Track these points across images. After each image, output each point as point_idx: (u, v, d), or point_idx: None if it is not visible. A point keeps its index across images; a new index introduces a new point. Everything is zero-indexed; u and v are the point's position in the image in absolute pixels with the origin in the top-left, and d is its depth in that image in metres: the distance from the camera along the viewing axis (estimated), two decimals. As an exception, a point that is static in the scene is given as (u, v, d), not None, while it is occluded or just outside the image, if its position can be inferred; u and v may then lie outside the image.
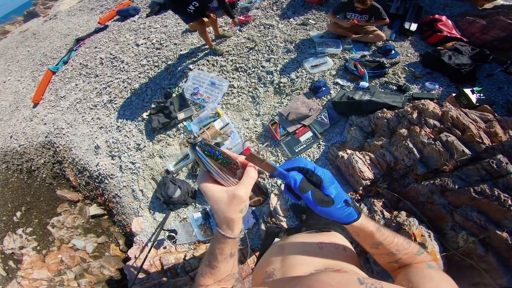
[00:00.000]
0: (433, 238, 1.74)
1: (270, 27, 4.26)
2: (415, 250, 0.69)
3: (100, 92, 4.70)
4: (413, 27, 3.74)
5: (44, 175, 4.68)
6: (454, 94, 2.77)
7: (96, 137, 4.21)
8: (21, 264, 3.70)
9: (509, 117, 2.04)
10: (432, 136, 2.08)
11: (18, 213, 4.46)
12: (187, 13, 3.41)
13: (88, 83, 5.06)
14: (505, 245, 1.49)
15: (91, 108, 4.58)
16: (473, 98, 2.59)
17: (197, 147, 0.51)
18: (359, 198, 2.30)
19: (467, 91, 2.64)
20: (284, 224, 2.55)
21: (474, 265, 1.55)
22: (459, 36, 3.54)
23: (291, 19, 4.35)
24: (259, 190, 0.67)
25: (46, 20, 9.46)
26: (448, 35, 3.52)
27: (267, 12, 4.58)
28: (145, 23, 5.63)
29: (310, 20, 4.26)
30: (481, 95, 2.63)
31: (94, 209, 4.15)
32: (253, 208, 2.96)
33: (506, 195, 1.54)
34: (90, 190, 4.25)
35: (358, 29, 3.66)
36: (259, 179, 0.64)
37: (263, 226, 2.69)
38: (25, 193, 4.68)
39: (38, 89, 5.72)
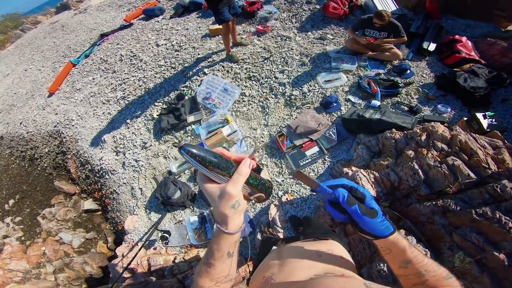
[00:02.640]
0: (429, 257, 1.72)
1: (287, 39, 4.32)
2: (444, 274, 0.67)
3: (115, 88, 4.87)
4: (432, 47, 3.71)
5: (45, 165, 4.79)
6: (465, 118, 2.73)
7: (104, 131, 4.32)
8: (1, 253, 3.66)
9: None
10: (439, 159, 2.09)
11: (11, 201, 4.52)
12: (222, 12, 3.50)
13: (105, 78, 5.25)
14: (501, 266, 1.51)
15: (104, 103, 4.74)
16: (485, 123, 2.56)
17: (182, 151, 0.55)
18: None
19: (479, 115, 2.61)
20: (281, 235, 2.55)
21: (468, 286, 1.54)
22: (477, 58, 3.47)
23: (309, 33, 4.40)
24: (262, 186, 0.69)
25: (76, 14, 9.92)
26: (467, 56, 3.47)
27: (286, 24, 4.65)
28: (168, 24, 5.83)
29: (328, 35, 4.30)
30: (493, 120, 2.59)
31: (89, 204, 4.18)
32: (254, 202, 2.95)
33: (508, 218, 1.57)
34: (88, 184, 4.30)
35: (375, 46, 3.67)
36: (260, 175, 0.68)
37: (259, 236, 2.69)
38: (23, 181, 4.78)
39: (56, 80, 5.98)
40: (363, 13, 4.52)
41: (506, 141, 2.20)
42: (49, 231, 3.96)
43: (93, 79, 5.42)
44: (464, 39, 3.59)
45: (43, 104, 5.73)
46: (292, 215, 2.66)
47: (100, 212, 4.18)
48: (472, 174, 1.85)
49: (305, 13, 4.77)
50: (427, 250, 1.79)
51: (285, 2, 5.04)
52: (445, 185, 1.92)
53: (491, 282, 1.50)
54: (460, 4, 4.24)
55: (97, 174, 4.06)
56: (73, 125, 4.77)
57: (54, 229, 3.98)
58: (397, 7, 4.47)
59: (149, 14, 6.54)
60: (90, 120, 4.66)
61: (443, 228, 1.83)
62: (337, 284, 0.57)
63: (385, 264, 1.72)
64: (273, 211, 2.76)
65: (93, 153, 4.22)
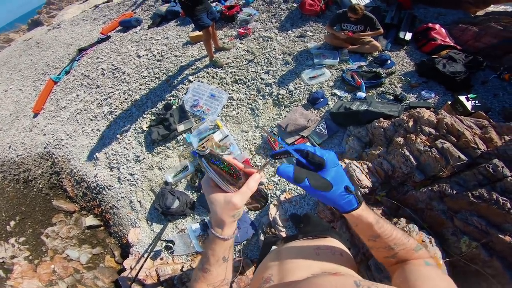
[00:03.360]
0: (435, 243, 1.71)
1: (269, 40, 4.31)
2: (413, 245, 0.67)
3: (100, 103, 4.73)
4: (408, 36, 3.77)
5: (41, 186, 4.67)
6: (449, 102, 2.77)
7: (95, 149, 4.21)
8: (12, 273, 3.60)
9: (505, 123, 2.04)
10: (428, 144, 2.08)
11: (12, 223, 4.39)
12: (201, 18, 3.47)
13: (89, 94, 5.09)
14: (509, 249, 1.46)
15: (91, 119, 4.60)
16: (468, 105, 2.59)
17: (203, 158, 0.58)
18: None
19: (462, 98, 2.64)
20: (283, 234, 2.53)
21: (480, 271, 1.52)
22: (452, 44, 3.55)
23: (289, 31, 4.40)
24: (259, 196, 0.70)
25: (49, 29, 9.58)
26: (442, 43, 3.54)
27: (266, 24, 4.64)
28: (146, 34, 5.70)
29: (307, 32, 4.31)
30: (476, 102, 2.63)
31: (90, 220, 4.11)
32: (248, 211, 2.96)
33: (505, 198, 1.53)
34: (87, 201, 4.22)
35: (354, 40, 3.70)
36: (261, 186, 0.68)
37: (262, 237, 2.68)
38: (20, 203, 4.64)
39: (39, 99, 5.76)
40: (338, 8, 4.54)
41: (491, 121, 2.22)
42: (55, 249, 3.88)
43: (77, 95, 5.24)
44: (437, 26, 3.66)
45: (29, 125, 5.53)
46: (292, 213, 2.66)
47: (102, 227, 4.12)
48: (462, 156, 1.83)
49: (283, 12, 4.76)
50: (431, 237, 1.75)
51: (263, 3, 5.02)
52: (438, 169, 1.90)
53: (502, 266, 1.46)
54: None
55: (94, 191, 3.98)
56: (63, 145, 4.63)
57: (59, 247, 3.90)
58: None
59: (126, 25, 6.38)
60: (79, 138, 4.52)
61: (443, 213, 1.79)
62: (329, 283, 0.57)
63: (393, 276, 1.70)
64: (273, 211, 2.75)
65: (87, 171, 4.12)
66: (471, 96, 2.67)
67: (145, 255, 3.05)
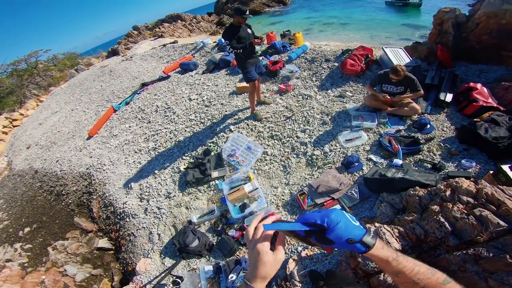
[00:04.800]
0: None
1: (308, 98, 4.33)
2: (441, 279, 0.65)
3: (148, 138, 5.02)
4: (449, 97, 3.49)
5: (70, 201, 4.84)
6: (491, 172, 2.47)
7: (132, 179, 4.37)
8: None
9: None
10: (465, 211, 1.94)
11: (27, 229, 4.51)
12: (250, 71, 3.62)
13: (140, 127, 5.47)
14: None
15: (136, 152, 4.86)
16: None
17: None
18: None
19: (505, 167, 2.33)
20: None
21: None
22: (495, 105, 3.21)
23: (329, 91, 4.39)
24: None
25: (123, 60, 10.76)
26: (484, 104, 3.21)
27: (307, 82, 4.69)
28: (200, 79, 6.11)
29: (347, 92, 4.25)
30: None
31: (103, 242, 4.08)
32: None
33: None
34: (108, 224, 4.26)
35: (393, 102, 3.54)
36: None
37: None
38: (44, 212, 4.83)
39: (97, 123, 6.33)
40: (379, 67, 4.49)
41: None
42: (55, 262, 3.84)
43: (130, 126, 5.66)
44: (479, 85, 3.36)
45: (81, 146, 5.98)
46: (312, 270, 2.47)
47: (112, 252, 4.06)
48: (502, 222, 1.71)
49: (324, 71, 4.81)
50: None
51: (306, 60, 5.15)
52: (475, 234, 1.77)
53: None
54: (469, 49, 4.10)
55: (118, 216, 4.06)
56: (104, 170, 4.89)
57: (61, 261, 3.86)
58: (411, 58, 4.40)
59: (185, 68, 6.94)
60: (120, 166, 4.77)
61: (477, 274, 1.66)
62: None
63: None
64: (292, 265, 2.58)
65: (118, 197, 4.26)
66: None
67: (148, 286, 2.99)
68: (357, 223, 0.65)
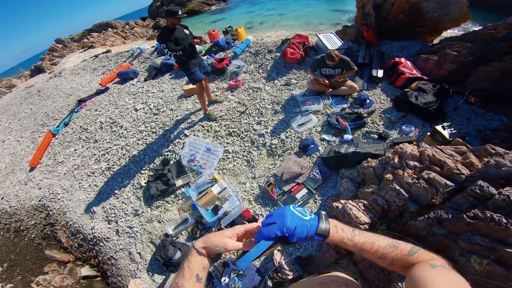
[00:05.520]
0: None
1: (258, 90, 4.36)
2: (405, 251, 0.65)
3: (98, 159, 4.55)
4: (380, 73, 3.85)
5: (33, 236, 4.33)
6: (429, 133, 2.75)
7: (93, 203, 3.99)
8: None
9: (481, 146, 2.06)
10: (415, 176, 2.08)
11: None
12: (194, 72, 3.47)
13: (87, 148, 4.91)
14: None
15: (89, 175, 4.39)
16: (446, 133, 2.57)
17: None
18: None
19: (439, 128, 2.62)
20: (291, 278, 2.40)
21: (502, 285, 1.44)
22: (420, 75, 3.60)
23: (276, 80, 4.48)
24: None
25: (51, 77, 9.49)
26: (410, 76, 3.58)
27: (254, 75, 4.71)
28: (143, 87, 5.68)
29: (292, 80, 4.39)
30: (452, 129, 2.62)
31: (86, 270, 3.74)
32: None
33: (499, 215, 1.52)
34: (82, 252, 3.90)
35: (333, 83, 3.75)
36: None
37: (270, 283, 2.52)
38: (9, 251, 4.26)
39: (36, 153, 5.51)
40: (316, 53, 4.72)
41: (469, 145, 2.24)
42: None
43: (75, 150, 5.05)
44: (403, 60, 3.74)
45: (24, 179, 5.22)
46: (297, 256, 2.55)
47: (100, 278, 3.74)
48: (449, 182, 1.84)
49: (269, 62, 4.88)
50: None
51: (250, 54, 5.15)
52: (430, 198, 1.90)
53: None
54: (390, 28, 4.54)
55: (91, 242, 3.70)
56: (59, 199, 4.36)
57: None
58: (342, 41, 4.70)
59: (124, 77, 6.39)
60: (76, 193, 4.28)
61: (446, 237, 1.76)
62: None
63: (404, 283, 1.62)
64: (278, 257, 2.62)
65: (83, 223, 3.86)
66: (446, 124, 2.66)
67: None
68: (307, 216, 0.67)
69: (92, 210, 3.89)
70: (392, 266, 0.67)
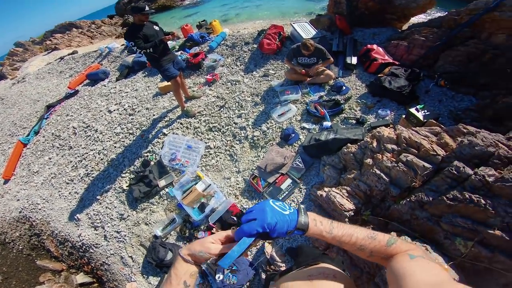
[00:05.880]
0: (432, 250, 1.67)
1: (237, 83, 4.30)
2: (383, 242, 0.66)
3: (75, 165, 4.35)
4: (354, 60, 3.94)
5: (20, 247, 4.17)
6: (404, 116, 2.84)
7: (76, 211, 3.85)
8: None
9: (454, 126, 2.11)
10: (394, 159, 2.10)
11: None
12: (168, 69, 3.36)
13: (62, 156, 4.67)
14: (504, 242, 1.41)
15: (68, 183, 4.20)
16: (420, 115, 2.65)
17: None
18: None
19: (413, 110, 2.71)
20: (283, 269, 2.42)
21: (488, 267, 1.46)
22: (391, 61, 3.70)
23: (254, 72, 4.44)
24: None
25: (14, 83, 8.90)
26: (382, 61, 3.69)
27: (232, 68, 4.64)
28: (115, 87, 5.43)
29: (270, 71, 4.38)
30: (426, 111, 2.71)
31: (81, 278, 3.66)
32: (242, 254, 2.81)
33: (477, 196, 1.53)
34: (74, 259, 3.80)
35: (309, 72, 3.79)
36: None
37: (263, 275, 2.55)
38: (0, 264, 4.09)
39: (8, 165, 5.19)
40: (292, 43, 4.71)
41: (442, 126, 2.29)
42: None
43: (50, 158, 4.79)
44: (375, 46, 3.84)
45: (0, 191, 4.94)
46: (288, 247, 2.58)
47: (96, 284, 3.67)
48: (426, 164, 1.85)
49: (246, 54, 4.82)
50: (425, 244, 1.71)
51: (227, 47, 5.05)
52: (410, 181, 1.91)
53: (509, 259, 1.40)
54: (361, 16, 4.63)
55: (81, 250, 3.61)
56: (40, 209, 4.17)
57: None
58: (316, 30, 4.72)
59: (94, 78, 6.08)
60: (57, 201, 4.10)
61: (428, 220, 1.76)
62: None
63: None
64: (269, 249, 2.63)
65: (69, 231, 3.73)
66: (419, 106, 2.75)
67: None
68: (287, 210, 0.67)
69: (76, 217, 3.76)
70: (372, 258, 0.68)
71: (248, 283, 2.67)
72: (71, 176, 4.24)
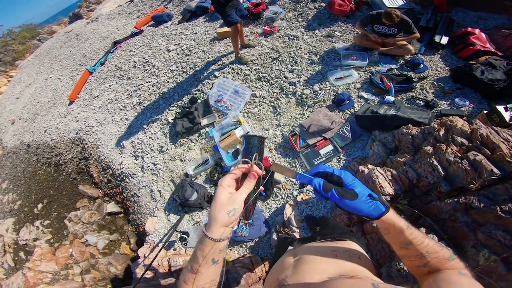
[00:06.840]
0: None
1: (295, 38, 4.09)
2: (447, 255, 0.63)
3: (130, 94, 4.74)
4: (444, 40, 3.41)
5: (69, 170, 4.76)
6: (485, 112, 2.49)
7: (123, 137, 4.22)
8: (32, 255, 3.66)
9: None
10: (459, 155, 1.90)
11: (40, 205, 4.52)
12: (230, 14, 3.36)
13: (120, 84, 5.13)
14: None
15: (121, 109, 4.62)
16: (506, 116, 2.30)
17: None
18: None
19: (500, 108, 2.36)
20: (297, 235, 2.40)
21: (493, 283, 1.42)
22: (493, 50, 3.18)
23: (317, 31, 4.15)
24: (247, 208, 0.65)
25: (88, 23, 9.80)
26: (482, 49, 3.17)
27: (292, 23, 4.41)
28: (176, 29, 5.65)
29: (336, 32, 4.04)
30: None
31: (111, 207, 4.14)
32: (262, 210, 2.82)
33: None
34: (110, 187, 4.24)
35: (385, 42, 3.41)
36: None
37: (274, 236, 2.55)
38: (49, 186, 4.77)
39: (75, 88, 5.92)
40: (369, 9, 4.22)
41: None
42: (76, 234, 3.93)
43: (110, 86, 5.31)
44: (477, 31, 3.29)
45: (64, 112, 5.70)
46: (308, 215, 2.51)
47: (122, 214, 4.13)
48: (496, 170, 1.67)
49: (311, 12, 4.50)
50: (449, 248, 1.63)
51: (290, 1, 4.78)
52: (467, 182, 1.74)
53: None
54: None
55: (118, 178, 3.99)
56: (93, 132, 4.70)
57: (80, 232, 3.95)
58: (405, 1, 4.16)
59: (158, 20, 6.37)
60: (109, 126, 4.57)
61: (466, 225, 1.66)
62: (345, 286, 0.57)
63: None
64: (288, 211, 2.60)
65: (113, 158, 4.14)
66: (510, 106, 2.36)
67: (160, 245, 3.00)
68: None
69: (122, 144, 4.13)
70: (420, 269, 0.65)
71: (257, 239, 2.69)
72: (125, 103, 4.65)
